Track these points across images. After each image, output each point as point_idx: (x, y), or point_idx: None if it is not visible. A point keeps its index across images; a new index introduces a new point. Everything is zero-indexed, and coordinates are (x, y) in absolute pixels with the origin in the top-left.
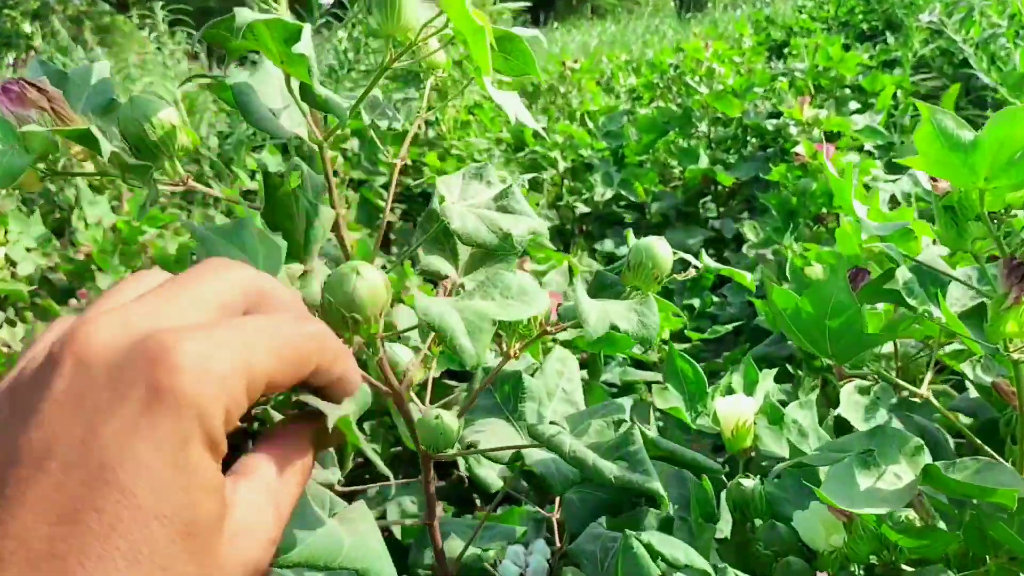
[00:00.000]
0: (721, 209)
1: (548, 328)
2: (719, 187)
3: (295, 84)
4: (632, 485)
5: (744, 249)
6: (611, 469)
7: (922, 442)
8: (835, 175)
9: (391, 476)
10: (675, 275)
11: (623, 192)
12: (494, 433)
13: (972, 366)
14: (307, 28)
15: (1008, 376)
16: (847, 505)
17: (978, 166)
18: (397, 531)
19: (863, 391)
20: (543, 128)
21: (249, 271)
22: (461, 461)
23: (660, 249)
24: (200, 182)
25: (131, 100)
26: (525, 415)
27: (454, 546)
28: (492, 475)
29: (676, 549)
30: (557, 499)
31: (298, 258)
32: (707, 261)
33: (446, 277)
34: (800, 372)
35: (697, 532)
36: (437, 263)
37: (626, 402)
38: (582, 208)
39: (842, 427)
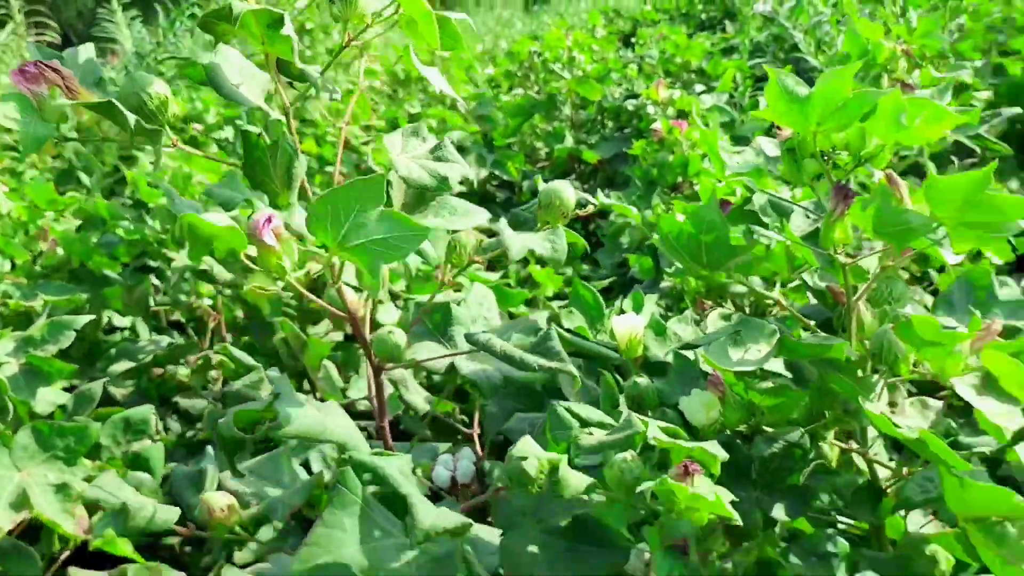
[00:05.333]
0: (585, 186)
1: (476, 259)
2: (583, 166)
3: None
4: (553, 369)
5: (611, 218)
6: (536, 360)
7: (777, 328)
8: (702, 126)
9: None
10: (577, 211)
11: (496, 172)
12: (430, 351)
13: (810, 276)
14: (286, 14)
15: (839, 281)
16: (723, 364)
17: (811, 114)
18: None
19: (725, 317)
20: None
21: None
22: (389, 386)
23: (566, 190)
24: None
25: (130, 76)
26: (455, 338)
27: None
28: (420, 400)
29: (589, 411)
30: (476, 418)
31: (276, 200)
32: (602, 199)
33: None
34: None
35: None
36: None
37: (541, 316)
38: (459, 187)
39: None
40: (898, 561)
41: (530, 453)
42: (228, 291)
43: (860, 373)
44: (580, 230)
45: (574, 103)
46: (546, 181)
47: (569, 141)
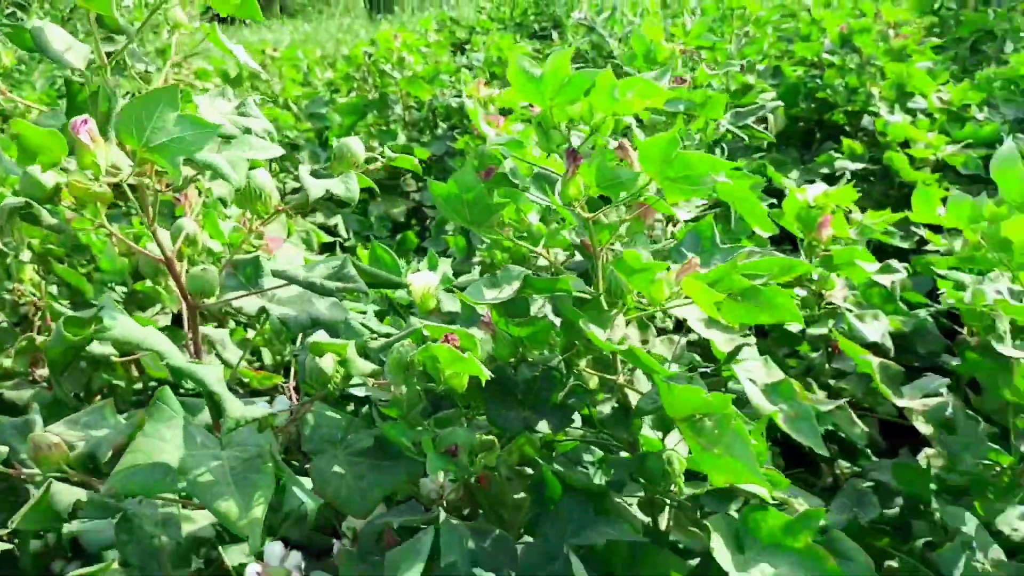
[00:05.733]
0: (420, 184)
1: (280, 207)
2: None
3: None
4: (348, 289)
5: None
6: (333, 284)
7: (528, 272)
8: (470, 104)
9: None
10: (367, 165)
11: None
12: (243, 298)
13: (569, 233)
14: None
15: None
16: (477, 299)
17: (545, 90)
18: None
19: None
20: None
21: None
22: (210, 351)
23: (354, 144)
24: None
25: None
26: (263, 287)
27: None
28: (234, 357)
29: (379, 326)
30: (292, 373)
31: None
32: (388, 153)
33: None
34: None
35: None
36: None
37: (340, 258)
38: (292, 184)
39: None
40: (637, 462)
41: (323, 341)
42: (53, 283)
43: (606, 309)
44: (415, 226)
45: (407, 104)
46: (378, 180)
47: (402, 139)
